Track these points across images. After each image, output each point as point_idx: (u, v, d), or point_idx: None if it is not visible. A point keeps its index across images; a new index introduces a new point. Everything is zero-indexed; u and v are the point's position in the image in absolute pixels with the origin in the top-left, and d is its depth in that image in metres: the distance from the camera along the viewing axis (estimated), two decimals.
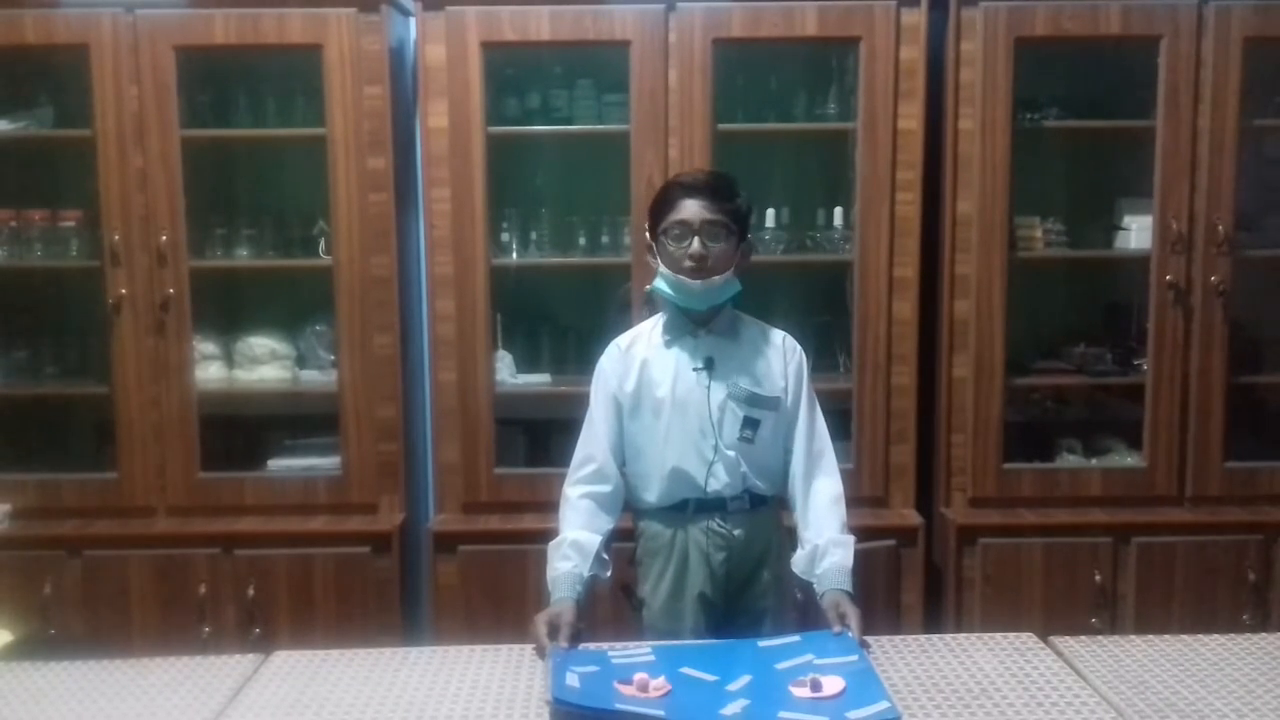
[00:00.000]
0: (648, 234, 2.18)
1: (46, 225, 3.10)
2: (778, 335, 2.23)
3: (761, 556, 2.19)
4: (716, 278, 2.10)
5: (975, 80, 2.96)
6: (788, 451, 2.20)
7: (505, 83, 3.13)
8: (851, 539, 2.12)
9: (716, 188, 2.11)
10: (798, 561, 2.13)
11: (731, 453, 2.13)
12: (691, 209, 2.08)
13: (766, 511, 2.20)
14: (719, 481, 2.13)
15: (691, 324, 2.17)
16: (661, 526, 2.19)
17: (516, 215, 3.19)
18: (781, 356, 2.20)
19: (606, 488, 2.16)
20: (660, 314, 2.23)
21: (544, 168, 3.35)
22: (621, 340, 2.23)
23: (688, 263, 2.08)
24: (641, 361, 2.17)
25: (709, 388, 2.13)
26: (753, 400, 2.14)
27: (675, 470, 2.14)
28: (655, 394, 2.15)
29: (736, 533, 2.15)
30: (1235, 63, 2.94)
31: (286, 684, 1.83)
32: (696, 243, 2.07)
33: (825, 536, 2.10)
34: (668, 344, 2.18)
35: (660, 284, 2.15)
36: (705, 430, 2.13)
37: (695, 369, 2.14)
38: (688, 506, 2.16)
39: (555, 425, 3.18)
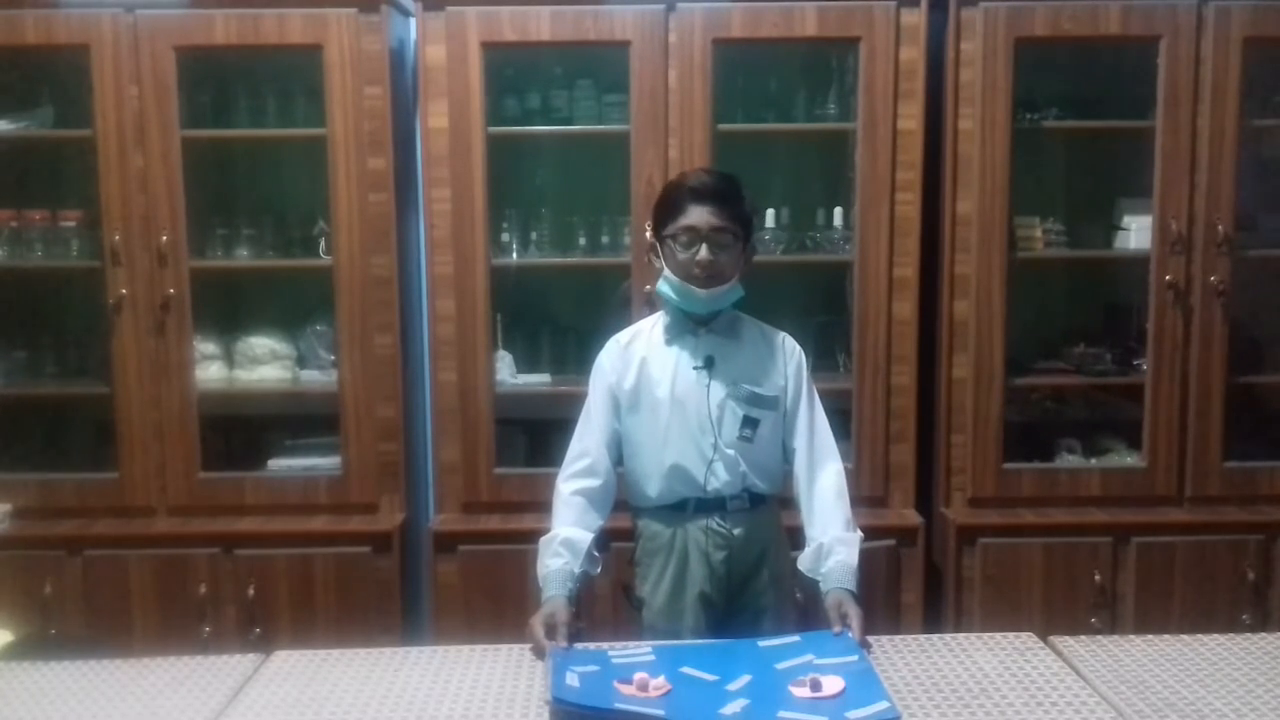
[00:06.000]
0: (650, 234, 2.17)
1: (47, 225, 3.10)
2: (777, 335, 2.23)
3: (761, 555, 2.19)
4: (723, 286, 2.10)
5: (975, 80, 2.96)
6: (788, 450, 2.20)
7: (505, 83, 3.13)
8: (858, 536, 2.12)
9: (724, 193, 2.10)
10: (804, 559, 2.13)
11: (731, 452, 2.13)
12: (699, 215, 2.07)
13: (765, 510, 2.21)
14: (718, 480, 2.14)
15: (692, 323, 2.17)
16: (661, 526, 2.19)
17: (516, 215, 3.19)
18: (781, 356, 2.20)
19: (598, 483, 2.17)
20: (660, 311, 2.23)
21: (544, 168, 3.35)
22: (621, 336, 2.24)
23: (696, 270, 2.07)
24: (641, 359, 2.18)
25: (709, 386, 2.13)
26: (752, 399, 2.14)
27: (675, 468, 2.14)
28: (655, 392, 2.15)
29: (736, 532, 2.16)
30: (1235, 63, 2.94)
31: (286, 684, 1.83)
32: (705, 250, 2.07)
33: (830, 534, 2.10)
34: (668, 342, 2.18)
35: (664, 287, 2.15)
36: (705, 429, 2.13)
37: (695, 368, 2.14)
38: (687, 505, 2.16)
39: (555, 425, 3.15)
